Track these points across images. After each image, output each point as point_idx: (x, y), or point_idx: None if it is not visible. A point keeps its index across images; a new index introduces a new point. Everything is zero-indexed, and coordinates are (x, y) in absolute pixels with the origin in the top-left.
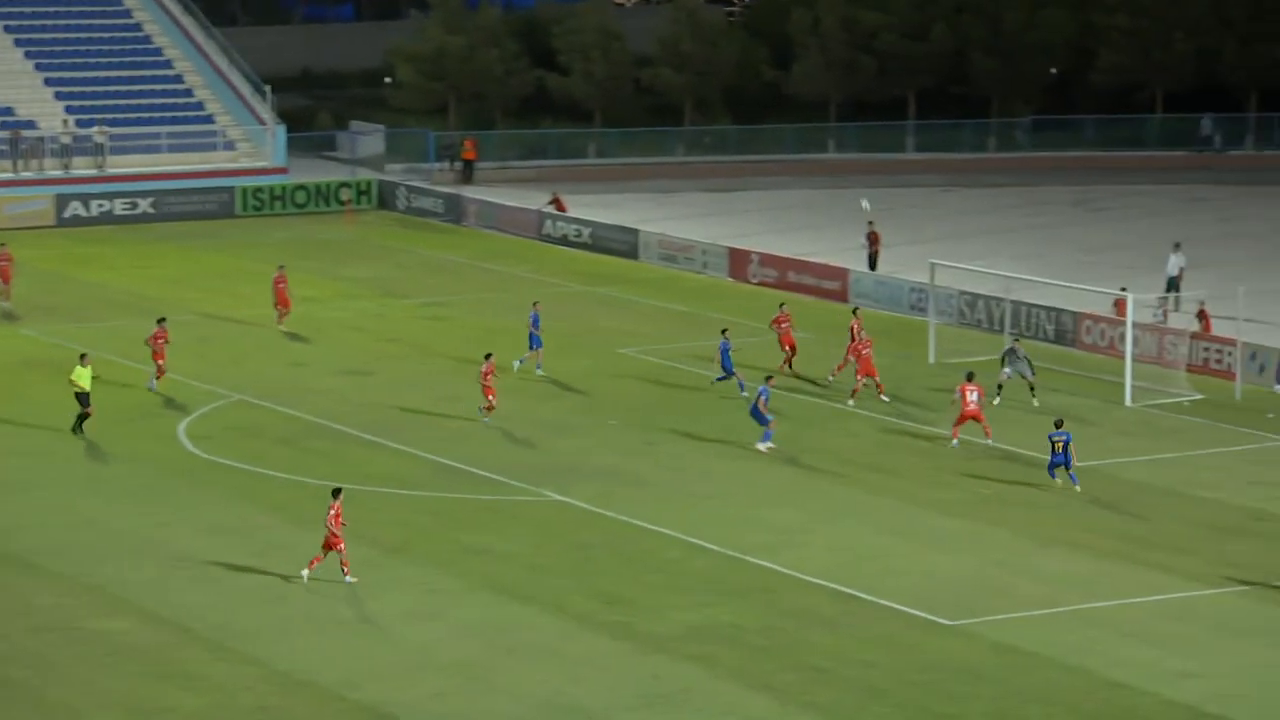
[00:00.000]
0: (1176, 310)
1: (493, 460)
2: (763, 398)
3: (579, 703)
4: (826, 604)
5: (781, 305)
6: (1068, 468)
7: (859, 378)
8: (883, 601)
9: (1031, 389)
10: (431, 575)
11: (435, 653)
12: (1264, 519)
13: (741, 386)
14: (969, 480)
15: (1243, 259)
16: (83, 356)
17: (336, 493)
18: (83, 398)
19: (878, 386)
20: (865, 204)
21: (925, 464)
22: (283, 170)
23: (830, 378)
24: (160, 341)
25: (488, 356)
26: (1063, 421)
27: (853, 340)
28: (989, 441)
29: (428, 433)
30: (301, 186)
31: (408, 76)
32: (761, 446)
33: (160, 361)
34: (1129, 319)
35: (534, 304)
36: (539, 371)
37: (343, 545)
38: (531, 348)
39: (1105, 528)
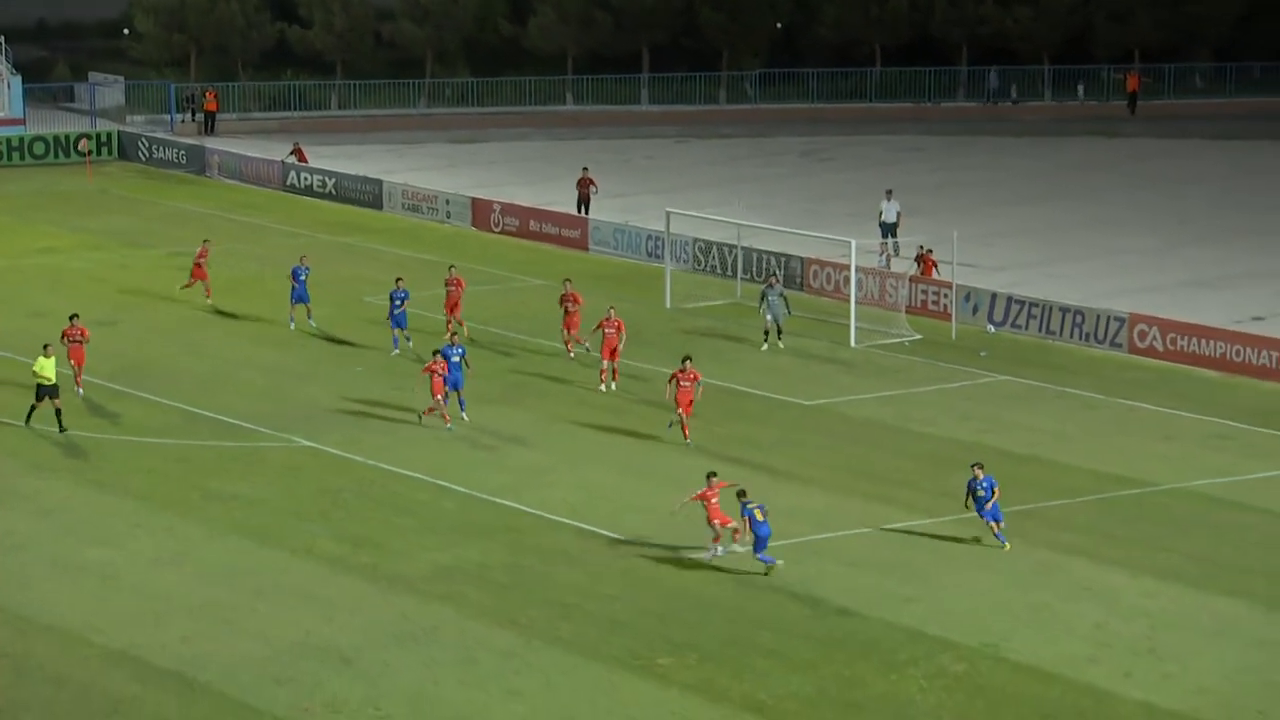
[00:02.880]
0: (897, 255)
1: (240, 408)
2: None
3: (330, 643)
4: (570, 541)
5: (566, 281)
6: (987, 516)
7: (572, 334)
8: (622, 537)
9: (779, 332)
10: (177, 521)
11: (182, 597)
12: (977, 451)
13: (395, 343)
14: (703, 420)
15: (956, 206)
16: (46, 347)
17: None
18: (46, 390)
19: (578, 340)
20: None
21: (661, 406)
22: (20, 121)
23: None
24: None
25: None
26: (983, 465)
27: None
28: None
29: (174, 382)
30: (40, 138)
31: (147, 29)
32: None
33: None
34: (852, 264)
35: (300, 257)
36: (311, 324)
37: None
38: (293, 303)
39: (835, 463)
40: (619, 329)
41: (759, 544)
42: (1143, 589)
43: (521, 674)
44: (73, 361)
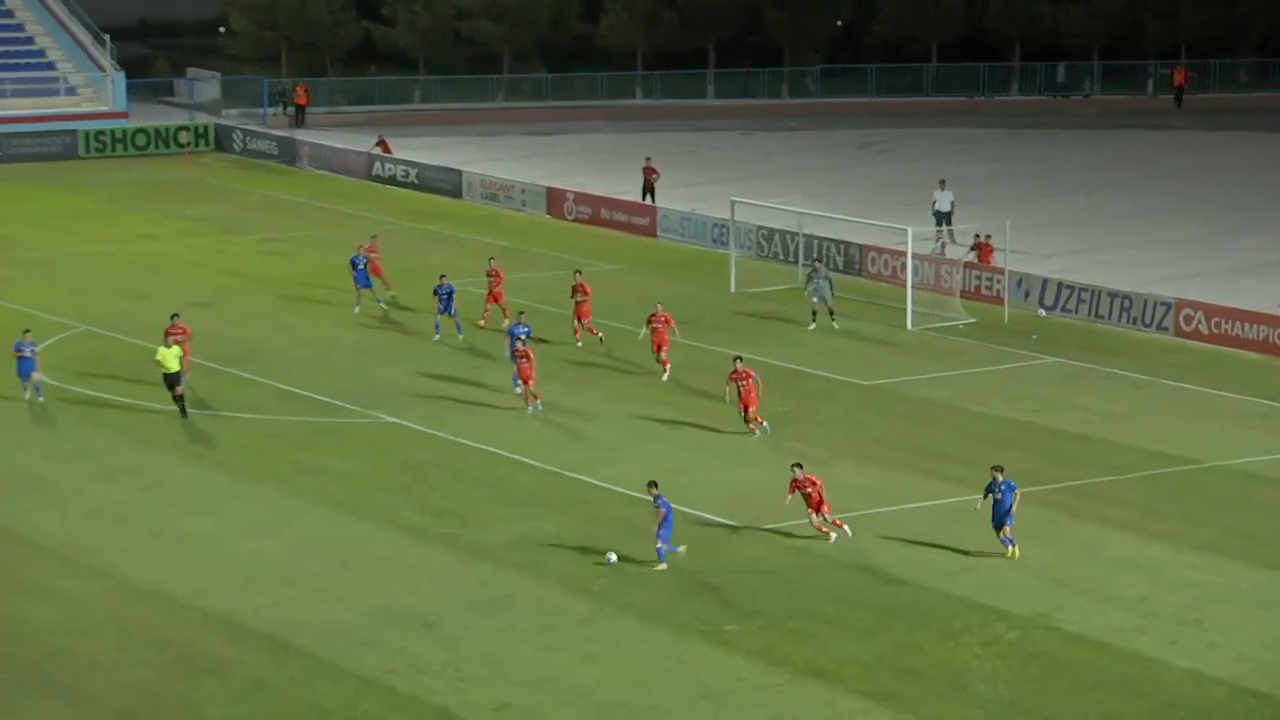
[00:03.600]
0: (953, 242)
1: (329, 386)
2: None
3: (413, 609)
4: (640, 514)
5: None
6: (1003, 526)
7: (584, 323)
8: (690, 510)
9: (831, 314)
10: (271, 493)
11: (275, 565)
12: (1027, 430)
13: (437, 329)
14: (766, 399)
15: (1008, 195)
16: (166, 337)
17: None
18: (169, 379)
19: (590, 330)
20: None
21: (721, 387)
22: (123, 115)
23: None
24: None
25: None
26: (1003, 468)
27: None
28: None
29: (267, 361)
30: (142, 130)
31: (242, 26)
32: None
33: None
34: (909, 250)
35: (358, 246)
36: (380, 304)
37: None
38: (358, 287)
39: (891, 440)
40: (666, 323)
41: (663, 533)
42: (1187, 562)
43: (595, 639)
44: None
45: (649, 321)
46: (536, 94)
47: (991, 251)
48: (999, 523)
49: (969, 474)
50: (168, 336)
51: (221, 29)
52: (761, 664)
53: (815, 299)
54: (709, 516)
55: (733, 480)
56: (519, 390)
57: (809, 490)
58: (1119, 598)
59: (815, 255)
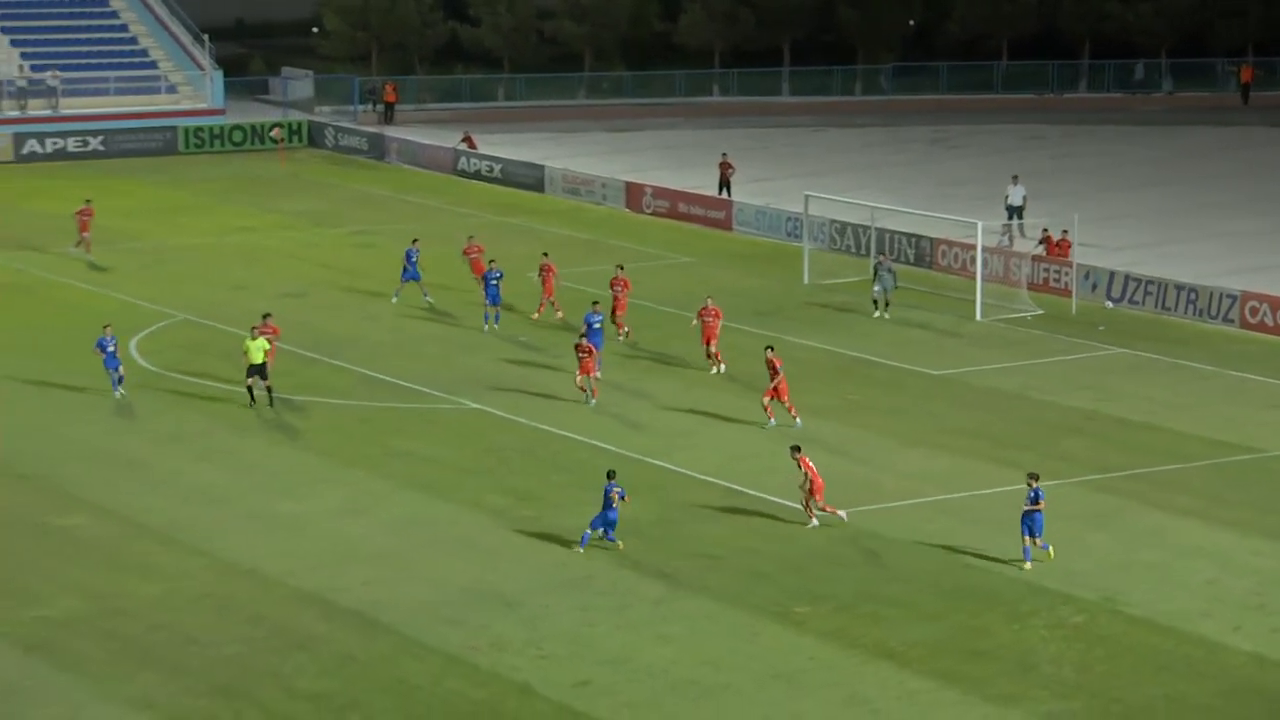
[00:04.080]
0: (1023, 235)
1: (414, 373)
2: None
3: (495, 588)
4: (715, 499)
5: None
6: (1036, 534)
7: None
8: (765, 495)
9: (887, 304)
10: (360, 476)
11: (364, 545)
12: (1094, 419)
13: (486, 319)
14: (836, 388)
15: (1077, 190)
16: (253, 329)
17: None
18: (255, 369)
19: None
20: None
21: (799, 374)
22: (220, 112)
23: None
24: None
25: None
26: (1038, 476)
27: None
28: (798, 424)
29: (355, 349)
30: (238, 126)
31: (335, 27)
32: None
33: (85, 234)
34: (979, 243)
35: (413, 241)
36: (427, 299)
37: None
38: (403, 280)
39: (960, 428)
40: (717, 316)
41: (609, 525)
42: (1252, 548)
43: (669, 620)
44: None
45: (700, 315)
46: (616, 91)
47: (1070, 246)
48: (1035, 531)
49: (1036, 461)
50: (254, 330)
51: (315, 29)
52: (833, 645)
53: (877, 289)
54: (780, 501)
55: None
56: (587, 379)
57: (808, 474)
58: (1184, 583)
59: (880, 249)
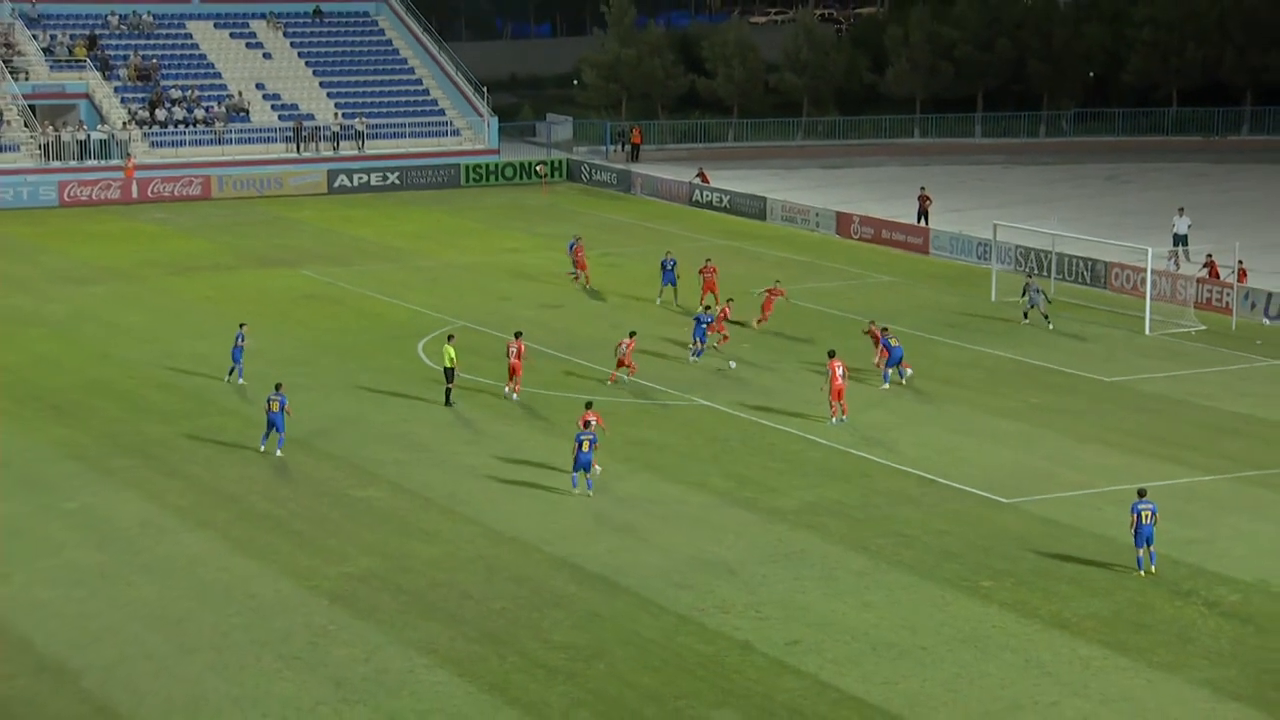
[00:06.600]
0: (1189, 260)
1: (651, 374)
2: None
3: (719, 558)
4: (912, 486)
5: (777, 281)
6: (1150, 543)
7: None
8: (955, 484)
9: (1037, 315)
10: (604, 459)
11: (608, 518)
12: (1252, 422)
13: (658, 296)
14: (1022, 392)
15: (1236, 222)
16: (450, 337)
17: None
18: (449, 373)
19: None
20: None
21: (987, 379)
22: (495, 151)
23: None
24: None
25: (631, 334)
26: (1146, 491)
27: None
28: (844, 419)
29: (602, 351)
30: (509, 164)
31: (591, 79)
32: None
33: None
34: (1148, 267)
35: (667, 252)
36: (675, 305)
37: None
38: (664, 284)
39: (1131, 429)
40: (714, 272)
41: (583, 466)
42: None
43: (871, 590)
44: (513, 373)
45: (769, 293)
46: (830, 134)
47: (1245, 275)
48: (1144, 540)
49: (1197, 458)
50: (450, 339)
51: (575, 82)
52: (1014, 615)
53: (1027, 302)
54: (973, 490)
55: (992, 460)
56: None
57: (829, 376)
58: None
59: (1028, 270)
